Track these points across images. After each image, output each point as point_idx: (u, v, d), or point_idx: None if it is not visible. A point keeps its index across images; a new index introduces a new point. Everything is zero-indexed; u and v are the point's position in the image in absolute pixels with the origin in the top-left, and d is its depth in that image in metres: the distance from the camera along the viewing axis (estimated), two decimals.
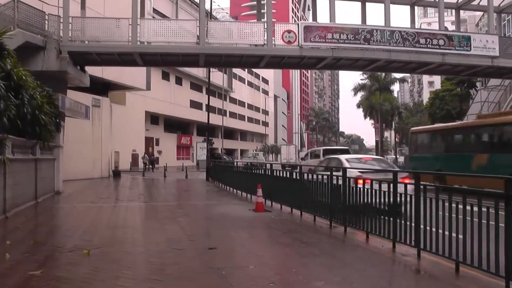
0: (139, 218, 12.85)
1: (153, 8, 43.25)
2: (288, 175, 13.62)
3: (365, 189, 9.07)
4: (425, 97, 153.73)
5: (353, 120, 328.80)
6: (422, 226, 7.36)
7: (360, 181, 9.39)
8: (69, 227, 10.92)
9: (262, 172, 16.25)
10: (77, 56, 21.22)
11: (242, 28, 22.58)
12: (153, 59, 23.60)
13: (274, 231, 10.37)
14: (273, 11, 24.10)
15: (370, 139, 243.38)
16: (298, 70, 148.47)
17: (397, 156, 68.12)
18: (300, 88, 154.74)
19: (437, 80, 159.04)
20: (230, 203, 16.04)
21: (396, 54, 23.83)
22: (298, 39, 22.28)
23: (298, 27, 22.48)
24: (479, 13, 74.22)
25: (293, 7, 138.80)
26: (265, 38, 22.11)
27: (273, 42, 22.15)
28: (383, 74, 64.38)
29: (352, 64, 25.90)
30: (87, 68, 24.19)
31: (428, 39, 24.24)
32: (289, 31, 22.42)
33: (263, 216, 12.48)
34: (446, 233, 6.71)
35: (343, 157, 15.59)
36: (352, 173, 10.62)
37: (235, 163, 27.58)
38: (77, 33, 20.64)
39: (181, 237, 9.38)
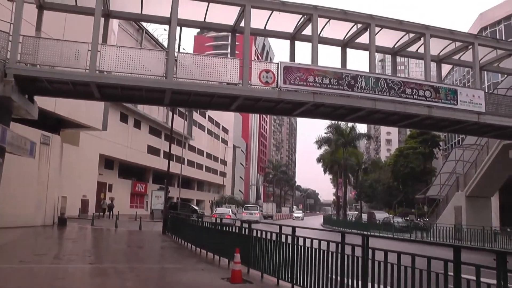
0: None
1: (116, 44, 40.60)
2: (275, 238, 10.80)
3: None
4: (383, 154, 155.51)
5: (309, 175, 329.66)
6: None
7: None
8: None
9: (237, 231, 13.32)
10: (25, 82, 18.11)
11: (215, 63, 20.09)
12: (112, 92, 20.68)
13: None
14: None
15: (324, 194, 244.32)
16: (258, 122, 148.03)
17: (361, 214, 66.06)
18: (258, 140, 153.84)
19: (394, 138, 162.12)
20: (196, 267, 13.05)
21: (381, 103, 21.81)
22: (277, 80, 20.04)
23: (278, 67, 20.20)
24: (444, 73, 75.01)
25: (255, 58, 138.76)
26: (237, 77, 19.80)
27: (249, 82, 19.83)
28: (348, 129, 63.09)
29: (331, 113, 23.75)
30: (37, 98, 21.10)
31: (414, 90, 22.45)
32: (267, 71, 20.17)
33: None
34: None
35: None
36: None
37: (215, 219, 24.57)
38: (28, 57, 17.74)
39: None
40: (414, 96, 22.37)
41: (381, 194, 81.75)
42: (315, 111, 22.95)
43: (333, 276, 8.21)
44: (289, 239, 10.00)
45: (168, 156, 31.83)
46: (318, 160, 72.07)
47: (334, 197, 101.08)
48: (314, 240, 9.08)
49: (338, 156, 63.25)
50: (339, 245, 8.18)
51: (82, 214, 41.16)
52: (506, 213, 40.98)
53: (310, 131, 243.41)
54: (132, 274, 11.62)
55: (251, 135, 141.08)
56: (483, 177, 32.94)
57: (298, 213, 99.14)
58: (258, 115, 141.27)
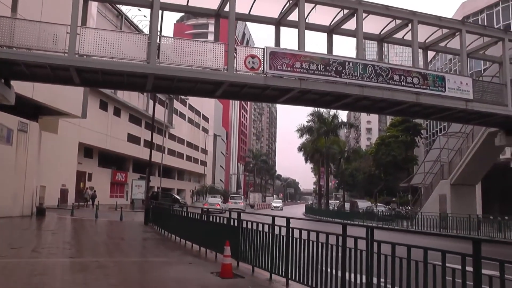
0: None
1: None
2: (268, 229, 10.23)
3: None
4: (363, 143, 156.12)
5: (289, 164, 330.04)
6: None
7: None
8: None
9: (226, 223, 12.69)
10: (0, 65, 17.31)
11: (199, 48, 19.47)
12: (92, 77, 19.89)
13: None
14: None
15: (305, 184, 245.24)
16: (238, 110, 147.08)
17: (344, 202, 65.99)
18: (238, 129, 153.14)
19: (375, 127, 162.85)
20: (183, 261, 12.46)
21: (369, 90, 21.43)
22: (263, 66, 19.46)
23: (264, 53, 19.62)
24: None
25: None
26: (222, 63, 19.16)
27: (234, 68, 19.21)
28: (330, 117, 62.56)
29: (318, 100, 23.31)
30: (14, 84, 20.22)
31: (402, 76, 22.11)
32: (253, 56, 19.60)
33: (237, 286, 9.12)
34: None
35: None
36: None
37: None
38: (3, 39, 16.89)
39: None
40: (402, 83, 22.04)
41: (362, 182, 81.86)
42: (301, 97, 22.49)
43: (332, 271, 7.70)
44: (283, 230, 9.46)
45: (150, 144, 31.04)
46: (300, 149, 71.32)
47: (315, 186, 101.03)
48: (311, 232, 8.54)
49: (320, 145, 62.74)
50: (340, 237, 7.65)
51: (61, 204, 40.26)
52: (488, 200, 41.18)
53: (290, 121, 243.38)
54: (115, 269, 10.97)
55: (231, 124, 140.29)
56: (468, 165, 32.83)
57: (276, 203, 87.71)
58: (239, 103, 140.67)
